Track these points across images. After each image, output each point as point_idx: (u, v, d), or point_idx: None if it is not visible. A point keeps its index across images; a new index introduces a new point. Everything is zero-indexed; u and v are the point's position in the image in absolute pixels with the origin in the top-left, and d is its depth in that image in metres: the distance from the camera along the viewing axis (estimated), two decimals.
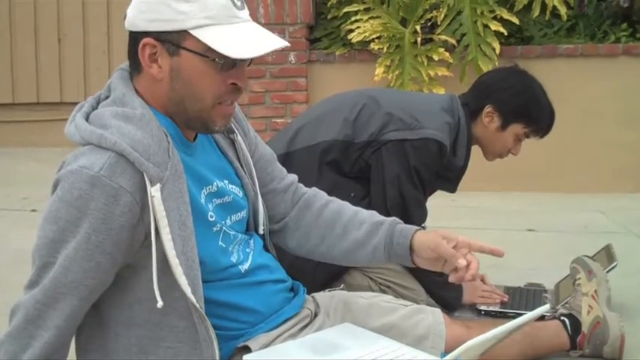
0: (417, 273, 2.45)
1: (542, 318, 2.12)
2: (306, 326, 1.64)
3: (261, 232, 1.65)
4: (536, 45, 4.82)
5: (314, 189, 1.77)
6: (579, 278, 2.32)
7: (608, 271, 2.37)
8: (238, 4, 1.40)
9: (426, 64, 4.63)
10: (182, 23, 1.36)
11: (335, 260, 1.73)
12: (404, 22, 4.77)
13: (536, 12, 4.72)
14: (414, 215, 2.40)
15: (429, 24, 4.77)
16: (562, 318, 2.15)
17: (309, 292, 1.75)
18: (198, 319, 1.40)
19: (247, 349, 1.50)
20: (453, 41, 4.65)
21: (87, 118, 1.40)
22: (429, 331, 1.71)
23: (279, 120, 4.94)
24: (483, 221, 3.94)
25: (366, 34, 4.66)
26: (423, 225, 2.49)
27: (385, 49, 4.68)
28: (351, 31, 4.72)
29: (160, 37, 1.38)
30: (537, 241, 3.61)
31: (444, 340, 1.70)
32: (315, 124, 2.45)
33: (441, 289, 2.46)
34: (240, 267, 1.54)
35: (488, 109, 2.46)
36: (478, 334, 1.30)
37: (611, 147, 4.74)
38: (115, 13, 5.70)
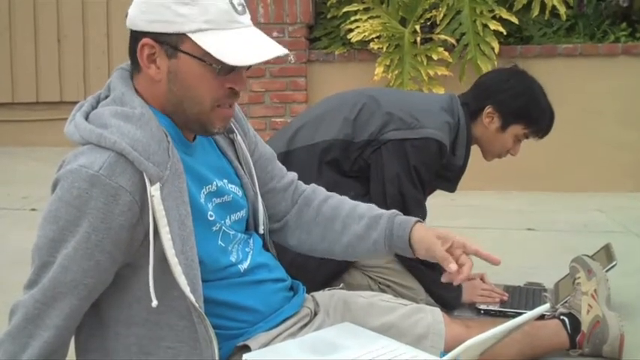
0: (417, 272, 2.45)
1: (541, 317, 2.11)
2: (305, 325, 1.64)
3: (261, 231, 1.65)
4: (535, 45, 4.82)
5: (312, 185, 1.77)
6: (579, 277, 2.32)
7: (607, 271, 2.37)
8: (239, 8, 1.40)
9: (425, 63, 4.63)
10: (181, 26, 1.36)
11: (337, 255, 1.73)
12: (403, 22, 4.78)
13: (535, 12, 4.72)
14: (414, 214, 2.38)
15: (428, 23, 4.77)
16: (562, 317, 2.15)
17: (308, 291, 1.76)
18: (197, 318, 1.40)
19: (247, 348, 1.50)
20: (453, 41, 4.65)
21: (86, 118, 1.40)
22: (428, 330, 1.71)
23: (278, 119, 4.94)
24: (483, 220, 3.94)
25: (366, 33, 4.66)
26: None
27: (385, 49, 4.68)
28: (351, 30, 4.72)
29: (159, 38, 1.38)
30: (537, 241, 3.61)
31: (444, 340, 1.70)
32: (315, 123, 2.45)
33: (441, 288, 2.46)
34: (239, 266, 1.54)
35: (488, 109, 2.47)
36: (477, 333, 1.30)
37: (610, 146, 4.74)
38: (114, 13, 5.71)
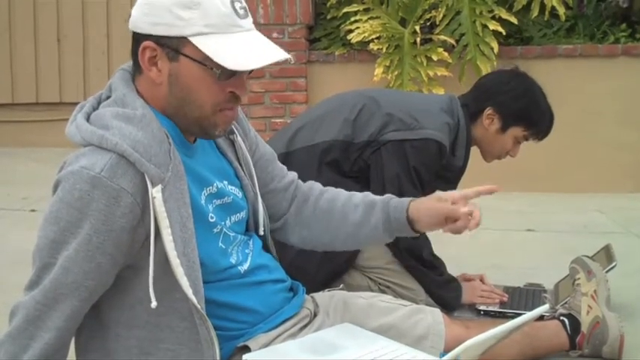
0: (417, 273, 2.45)
1: (541, 318, 2.12)
2: (305, 326, 1.64)
3: (261, 232, 1.65)
4: (535, 45, 4.82)
5: (309, 182, 1.78)
6: (579, 278, 2.32)
7: (607, 271, 2.38)
8: (241, 12, 1.39)
9: (425, 64, 4.63)
10: (182, 30, 1.36)
11: (339, 247, 1.74)
12: (403, 23, 4.77)
13: (535, 12, 4.72)
14: None
15: (428, 24, 4.77)
16: (561, 318, 2.15)
17: (308, 292, 1.76)
18: (199, 320, 1.40)
19: (247, 349, 1.50)
20: (452, 41, 4.65)
21: (88, 119, 1.40)
22: (428, 331, 1.72)
23: (278, 120, 4.94)
24: (483, 221, 3.92)
25: (366, 34, 4.66)
26: None
27: (384, 50, 4.68)
28: (351, 31, 4.72)
29: (160, 41, 1.38)
30: (537, 241, 3.61)
31: (444, 340, 1.70)
32: (315, 124, 2.45)
33: (440, 289, 2.46)
34: (239, 268, 1.54)
35: (488, 111, 2.47)
36: (477, 334, 1.30)
37: (610, 147, 4.74)
38: (114, 13, 5.70)
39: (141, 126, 1.35)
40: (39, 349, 1.32)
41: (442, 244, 2.52)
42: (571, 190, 4.65)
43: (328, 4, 4.95)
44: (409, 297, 2.33)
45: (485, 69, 4.47)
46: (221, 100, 1.41)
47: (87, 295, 1.34)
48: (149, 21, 1.37)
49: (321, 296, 1.77)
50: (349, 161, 2.38)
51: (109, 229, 1.30)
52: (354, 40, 4.70)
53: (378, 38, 4.68)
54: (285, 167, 1.77)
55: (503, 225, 3.85)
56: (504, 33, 4.66)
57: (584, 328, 2.12)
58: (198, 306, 1.38)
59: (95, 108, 1.44)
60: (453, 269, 2.54)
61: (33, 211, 3.88)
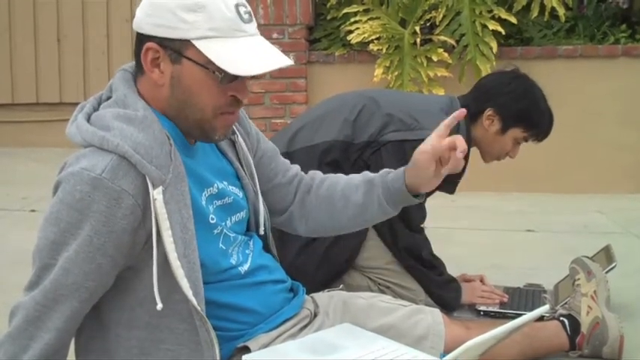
0: (416, 273, 2.45)
1: (541, 318, 2.12)
2: (305, 326, 1.64)
3: (261, 232, 1.65)
4: (535, 46, 4.82)
5: (311, 172, 1.78)
6: (578, 279, 2.32)
7: (607, 272, 2.38)
8: (245, 17, 1.39)
9: (425, 64, 4.63)
10: (186, 32, 1.35)
11: (347, 229, 1.74)
12: (403, 23, 4.78)
13: (534, 13, 4.72)
14: (414, 215, 2.40)
15: (428, 24, 4.77)
16: (561, 318, 2.15)
17: (308, 293, 1.76)
18: (199, 321, 1.40)
19: (247, 350, 1.50)
20: (452, 42, 4.65)
21: (88, 119, 1.40)
22: (428, 331, 1.72)
23: (278, 121, 4.94)
24: (483, 222, 3.95)
25: (366, 34, 4.66)
26: (422, 225, 2.49)
27: (384, 50, 4.68)
28: (351, 32, 4.72)
29: (164, 43, 1.37)
30: (537, 242, 3.61)
31: (443, 341, 1.71)
32: (315, 124, 2.45)
33: (440, 289, 2.46)
34: (239, 268, 1.54)
35: (488, 112, 2.47)
36: (477, 334, 1.30)
37: (610, 147, 4.74)
38: (114, 13, 5.70)
39: (142, 127, 1.35)
40: (39, 350, 1.32)
41: (442, 244, 2.52)
42: (571, 191, 4.65)
43: (328, 5, 4.95)
44: (409, 297, 2.33)
45: (485, 69, 4.47)
46: (222, 103, 1.41)
47: (87, 296, 1.34)
48: (152, 22, 1.37)
49: (321, 296, 1.77)
50: (349, 162, 2.38)
51: (110, 230, 1.30)
52: (354, 41, 4.70)
53: (378, 39, 4.68)
54: (287, 161, 1.77)
55: (503, 225, 3.86)
56: (504, 33, 4.66)
57: (583, 329, 2.12)
58: (199, 308, 1.38)
59: (96, 108, 1.44)
60: (452, 269, 2.55)
61: (33, 211, 3.89)
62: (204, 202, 1.47)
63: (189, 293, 1.36)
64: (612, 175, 4.75)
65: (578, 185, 4.70)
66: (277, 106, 4.97)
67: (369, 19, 4.73)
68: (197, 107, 1.41)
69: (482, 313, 2.49)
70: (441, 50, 4.63)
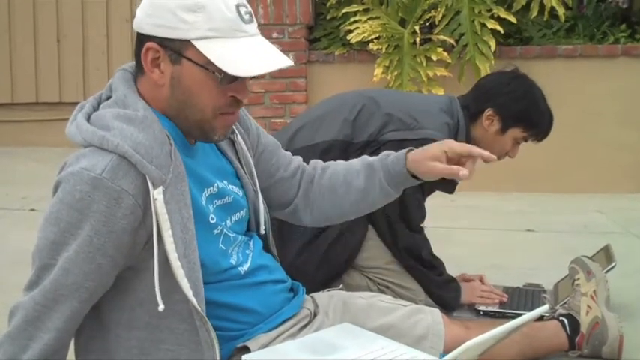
0: (416, 273, 2.45)
1: (541, 318, 2.12)
2: (305, 326, 1.64)
3: (261, 231, 1.65)
4: (535, 46, 4.82)
5: (312, 162, 1.78)
6: (578, 278, 2.32)
7: (606, 272, 2.38)
8: (246, 17, 1.39)
9: (424, 64, 4.63)
10: (186, 33, 1.35)
11: (352, 215, 1.75)
12: (403, 23, 4.78)
13: (534, 12, 4.72)
14: (413, 215, 2.40)
15: (427, 24, 4.77)
16: (561, 318, 2.15)
17: (308, 292, 1.76)
18: (199, 321, 1.40)
19: (246, 349, 1.50)
20: (452, 41, 4.65)
21: (88, 119, 1.40)
22: (427, 331, 1.72)
23: (278, 120, 4.94)
24: (483, 222, 3.95)
25: (365, 34, 4.66)
26: (422, 225, 2.49)
27: (384, 50, 4.68)
28: (350, 31, 4.72)
29: (164, 43, 1.37)
30: (536, 242, 3.61)
31: (443, 341, 1.71)
32: (315, 124, 2.45)
33: (440, 289, 2.46)
34: (239, 268, 1.54)
35: (488, 112, 2.47)
36: (477, 334, 1.30)
37: (610, 147, 4.74)
38: (114, 13, 5.71)
39: (142, 127, 1.35)
40: (38, 350, 1.32)
41: (442, 243, 2.52)
42: (571, 191, 4.65)
43: (328, 5, 4.95)
44: (408, 297, 2.33)
45: (484, 68, 4.47)
46: (222, 104, 1.41)
47: (87, 296, 1.34)
48: (153, 22, 1.37)
49: (321, 296, 1.77)
50: None
51: (110, 230, 1.30)
52: (353, 41, 4.70)
53: (377, 38, 4.68)
54: (289, 153, 1.77)
55: (503, 225, 3.86)
56: (503, 32, 4.66)
57: (583, 329, 2.12)
58: (199, 308, 1.38)
59: (95, 108, 1.44)
60: (452, 269, 2.55)
61: (32, 210, 3.89)
62: (204, 202, 1.47)
63: (189, 293, 1.36)
64: (612, 175, 4.75)
65: (578, 185, 4.70)
66: (277, 105, 4.97)
67: (369, 19, 4.73)
68: (197, 107, 1.41)
69: (481, 312, 2.49)
70: (440, 50, 4.63)
